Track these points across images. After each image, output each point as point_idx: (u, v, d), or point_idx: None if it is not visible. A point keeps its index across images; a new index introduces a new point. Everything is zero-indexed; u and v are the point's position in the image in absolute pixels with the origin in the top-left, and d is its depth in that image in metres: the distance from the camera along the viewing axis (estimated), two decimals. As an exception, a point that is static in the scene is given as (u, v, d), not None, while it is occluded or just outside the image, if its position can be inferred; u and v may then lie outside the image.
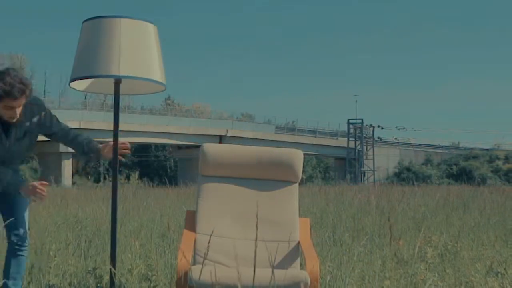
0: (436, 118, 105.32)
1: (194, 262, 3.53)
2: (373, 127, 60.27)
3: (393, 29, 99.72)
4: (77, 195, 14.28)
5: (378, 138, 61.60)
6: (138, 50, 3.40)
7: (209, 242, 3.11)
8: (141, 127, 46.40)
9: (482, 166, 52.40)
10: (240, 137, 47.55)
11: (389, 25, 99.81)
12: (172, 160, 56.00)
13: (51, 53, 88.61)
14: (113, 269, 3.48)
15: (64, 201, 11.43)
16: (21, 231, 3.62)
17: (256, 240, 2.59)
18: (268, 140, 48.48)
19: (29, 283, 4.08)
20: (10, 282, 3.57)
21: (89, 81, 3.65)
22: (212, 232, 3.28)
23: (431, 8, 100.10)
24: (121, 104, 3.59)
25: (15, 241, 3.60)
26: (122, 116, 3.79)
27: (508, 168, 52.97)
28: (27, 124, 3.55)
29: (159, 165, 56.11)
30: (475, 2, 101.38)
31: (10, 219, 3.52)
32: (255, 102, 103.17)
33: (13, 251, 3.60)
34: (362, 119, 59.07)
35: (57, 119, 3.80)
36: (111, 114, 3.61)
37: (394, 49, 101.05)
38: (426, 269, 4.46)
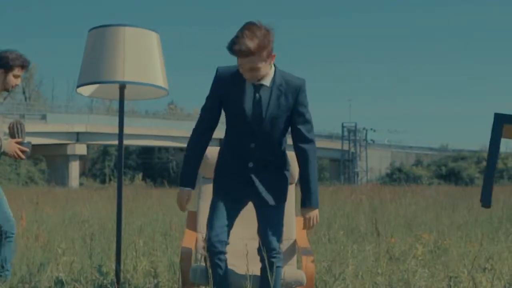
0: (427, 121, 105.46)
1: (195, 260, 3.53)
2: (366, 130, 60.36)
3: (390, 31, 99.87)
4: (84, 195, 14.27)
5: (371, 140, 61.69)
6: (142, 57, 3.41)
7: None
8: (145, 130, 46.37)
9: (470, 167, 52.39)
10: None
11: (386, 27, 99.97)
12: (174, 162, 55.96)
13: (58, 60, 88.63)
14: (118, 266, 3.48)
15: (71, 201, 11.44)
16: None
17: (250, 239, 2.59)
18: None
19: (40, 280, 4.08)
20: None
21: (95, 86, 3.65)
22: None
23: (427, 10, 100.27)
24: (125, 108, 3.60)
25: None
26: (126, 120, 3.81)
27: (494, 169, 52.93)
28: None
29: (162, 167, 56.00)
30: (465, 9, 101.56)
31: None
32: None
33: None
34: (355, 123, 59.20)
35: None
36: (116, 118, 3.62)
37: (390, 51, 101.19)
38: (417, 265, 4.47)
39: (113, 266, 3.77)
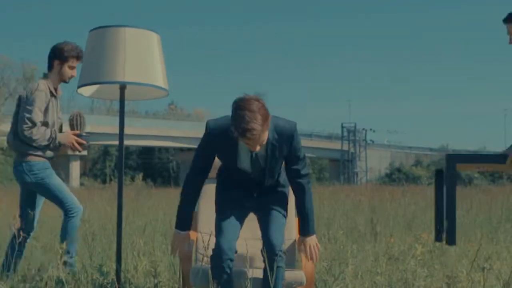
0: (427, 121, 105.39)
1: (196, 260, 3.53)
2: (366, 130, 60.33)
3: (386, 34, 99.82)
4: (84, 195, 14.25)
5: (371, 140, 61.64)
6: (142, 57, 3.41)
7: (209, 241, 3.12)
8: (145, 130, 46.35)
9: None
10: (239, 140, 47.47)
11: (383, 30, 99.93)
12: (174, 162, 55.95)
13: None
14: (119, 266, 3.49)
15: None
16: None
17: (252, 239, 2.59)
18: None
19: (41, 280, 4.08)
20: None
21: (95, 87, 3.65)
22: (212, 232, 3.29)
23: (427, 10, 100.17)
24: (126, 108, 3.60)
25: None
26: (127, 120, 3.85)
27: (493, 169, 52.95)
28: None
29: (162, 167, 56.01)
30: (465, 9, 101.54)
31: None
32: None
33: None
34: (355, 123, 59.21)
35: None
36: (117, 118, 3.62)
37: (390, 51, 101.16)
38: (416, 265, 4.46)
39: (114, 266, 3.77)
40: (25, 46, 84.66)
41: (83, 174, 48.55)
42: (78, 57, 4.16)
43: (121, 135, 3.55)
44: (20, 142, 4.13)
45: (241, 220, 3.24)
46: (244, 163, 3.15)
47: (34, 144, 4.06)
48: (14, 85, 52.75)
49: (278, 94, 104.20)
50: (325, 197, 11.46)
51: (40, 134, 4.03)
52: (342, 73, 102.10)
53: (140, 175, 16.51)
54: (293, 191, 3.32)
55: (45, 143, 4.07)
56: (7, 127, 4.29)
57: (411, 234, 6.38)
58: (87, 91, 3.64)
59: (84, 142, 4.19)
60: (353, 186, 25.07)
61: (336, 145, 58.72)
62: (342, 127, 59.05)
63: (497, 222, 8.01)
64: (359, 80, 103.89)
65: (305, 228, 3.31)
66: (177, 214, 3.28)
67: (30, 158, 4.15)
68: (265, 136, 3.00)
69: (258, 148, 3.01)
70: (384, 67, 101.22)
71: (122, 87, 3.48)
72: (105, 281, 3.86)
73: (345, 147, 58.32)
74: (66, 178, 40.35)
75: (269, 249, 3.04)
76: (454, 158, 3.00)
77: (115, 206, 3.60)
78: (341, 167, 57.78)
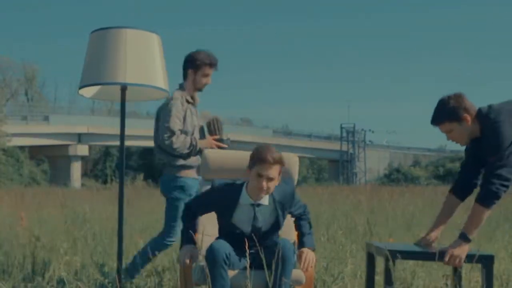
0: (426, 122, 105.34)
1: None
2: (365, 131, 60.38)
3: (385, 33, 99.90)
4: (86, 196, 14.26)
5: (370, 141, 61.69)
6: (143, 58, 3.41)
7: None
8: (146, 131, 46.10)
9: (467, 168, 52.27)
10: (239, 141, 47.48)
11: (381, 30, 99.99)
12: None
13: (61, 62, 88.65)
14: (120, 265, 3.49)
15: (73, 201, 11.44)
16: None
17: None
18: (266, 143, 48.22)
19: (42, 279, 4.08)
20: None
21: (96, 88, 3.66)
22: (213, 233, 3.29)
23: (427, 10, 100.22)
24: (127, 109, 3.60)
25: None
26: (128, 121, 3.83)
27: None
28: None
29: (163, 168, 56.03)
30: (464, 9, 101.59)
31: None
32: (253, 107, 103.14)
33: None
34: (354, 124, 59.27)
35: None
36: (118, 119, 3.62)
37: (390, 51, 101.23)
38: (415, 264, 4.46)
39: (115, 266, 3.77)
40: (26, 46, 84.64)
41: (84, 174, 48.57)
42: (211, 65, 4.16)
43: (122, 136, 3.55)
44: (169, 155, 4.13)
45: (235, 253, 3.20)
46: (244, 224, 3.18)
47: (175, 153, 4.05)
48: (16, 85, 52.81)
49: (278, 94, 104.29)
50: (324, 198, 11.47)
51: (180, 143, 4.02)
52: (342, 73, 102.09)
53: (141, 176, 16.50)
54: (295, 221, 3.42)
55: (186, 151, 4.06)
56: (8, 128, 4.26)
57: (410, 234, 6.38)
58: (89, 92, 3.64)
59: (225, 145, 4.17)
60: (352, 187, 25.10)
61: (335, 145, 58.74)
62: (341, 127, 59.10)
63: (495, 222, 8.01)
64: (359, 80, 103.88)
65: (303, 242, 3.34)
66: (181, 236, 3.34)
67: (182, 173, 4.16)
68: (278, 177, 3.09)
69: (266, 189, 3.06)
70: (384, 67, 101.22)
71: (123, 88, 3.49)
72: (106, 280, 3.86)
73: (344, 148, 58.35)
74: (67, 179, 40.49)
75: (280, 249, 3.06)
76: (395, 253, 3.29)
77: (116, 206, 3.60)
78: (340, 168, 57.81)
